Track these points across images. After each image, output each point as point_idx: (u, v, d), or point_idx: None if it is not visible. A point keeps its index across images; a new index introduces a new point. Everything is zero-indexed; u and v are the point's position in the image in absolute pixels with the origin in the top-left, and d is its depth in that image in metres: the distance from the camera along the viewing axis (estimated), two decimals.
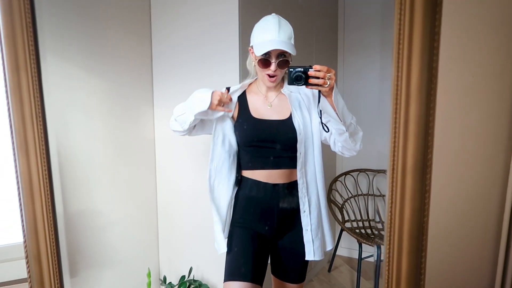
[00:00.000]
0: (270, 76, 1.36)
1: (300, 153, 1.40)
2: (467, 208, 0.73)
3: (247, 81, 1.51)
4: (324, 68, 1.21)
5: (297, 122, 1.39)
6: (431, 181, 0.62)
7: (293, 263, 1.48)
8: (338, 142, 1.38)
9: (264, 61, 1.34)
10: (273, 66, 1.34)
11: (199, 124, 1.47)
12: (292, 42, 1.36)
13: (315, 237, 1.45)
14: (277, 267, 1.52)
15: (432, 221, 0.64)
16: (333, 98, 1.26)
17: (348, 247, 3.29)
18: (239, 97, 1.47)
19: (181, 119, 1.41)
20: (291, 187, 1.42)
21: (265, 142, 1.39)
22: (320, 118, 1.35)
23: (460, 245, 0.70)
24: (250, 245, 1.42)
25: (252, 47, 1.39)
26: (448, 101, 0.63)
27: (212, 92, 1.34)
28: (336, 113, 1.29)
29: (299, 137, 1.38)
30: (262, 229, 1.44)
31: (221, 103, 1.35)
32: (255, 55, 1.37)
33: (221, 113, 1.39)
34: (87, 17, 1.82)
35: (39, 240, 0.91)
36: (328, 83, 1.22)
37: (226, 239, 1.47)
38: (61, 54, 1.70)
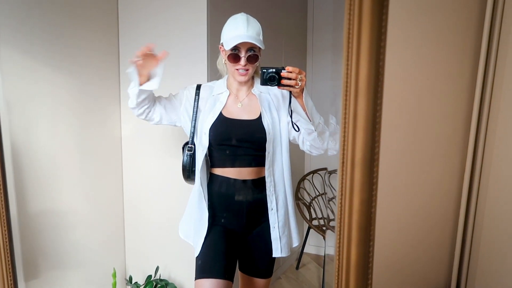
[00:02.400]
0: (239, 70, 1.39)
1: (269, 152, 1.43)
2: (413, 200, 0.77)
3: (221, 81, 1.54)
4: (296, 69, 1.25)
5: (266, 122, 1.43)
6: (378, 174, 0.65)
7: (260, 259, 1.51)
8: (307, 141, 1.43)
9: (234, 56, 1.37)
10: (242, 61, 1.37)
11: (161, 107, 1.48)
12: (261, 38, 1.39)
13: (282, 234, 1.48)
14: (245, 263, 1.54)
15: (380, 212, 0.67)
16: (303, 99, 1.31)
17: (316, 245, 3.35)
18: (208, 94, 1.49)
19: (131, 93, 1.44)
20: (260, 183, 1.45)
21: (235, 141, 1.42)
22: (291, 118, 1.38)
23: (408, 235, 0.74)
24: (221, 242, 1.44)
25: (222, 44, 1.41)
26: (395, 98, 0.67)
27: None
28: (306, 113, 1.34)
29: (268, 137, 1.42)
30: (232, 225, 1.47)
31: (142, 56, 1.35)
32: (225, 51, 1.40)
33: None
34: (49, 12, 1.78)
35: None
36: (299, 84, 1.26)
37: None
38: (20, 49, 1.65)
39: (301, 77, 1.26)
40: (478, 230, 1.43)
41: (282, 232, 1.48)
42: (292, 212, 1.53)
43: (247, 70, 1.39)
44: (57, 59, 1.81)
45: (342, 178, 0.67)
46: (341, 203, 0.68)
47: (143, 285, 2.07)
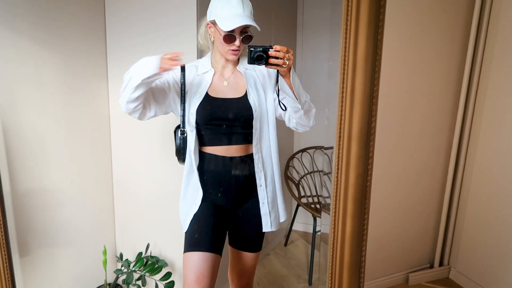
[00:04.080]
0: (233, 50, 1.37)
1: (256, 130, 1.44)
2: (405, 174, 0.78)
3: (205, 59, 1.50)
4: (284, 48, 1.23)
5: (252, 100, 1.42)
6: (374, 148, 0.66)
7: (250, 233, 1.54)
8: (293, 118, 1.44)
9: (230, 37, 1.34)
10: (237, 42, 1.34)
11: (154, 101, 1.42)
12: (252, 16, 1.37)
13: (272, 210, 1.51)
14: (234, 238, 1.57)
15: (374, 185, 0.68)
16: (290, 78, 1.30)
17: (304, 222, 3.40)
18: (195, 72, 1.46)
19: (129, 86, 1.30)
20: (248, 159, 1.47)
21: (222, 120, 1.41)
22: (278, 96, 1.38)
23: (398, 209, 0.75)
24: (210, 216, 1.46)
25: (214, 22, 1.36)
26: (392, 73, 0.67)
27: (161, 58, 1.26)
28: (293, 92, 1.34)
29: (255, 114, 1.42)
30: (221, 201, 1.48)
31: (172, 63, 1.26)
32: (219, 30, 1.35)
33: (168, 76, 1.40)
34: None
35: None
36: (287, 63, 1.25)
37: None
38: (8, 24, 1.59)
39: (288, 55, 1.24)
40: (462, 206, 1.48)
41: (271, 208, 1.51)
42: (279, 188, 1.55)
43: (239, 50, 1.38)
44: (41, 35, 1.75)
45: (339, 153, 0.68)
46: (337, 177, 0.68)
47: (134, 262, 2.09)
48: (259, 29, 1.35)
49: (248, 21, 1.30)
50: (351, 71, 0.63)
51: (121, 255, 2.18)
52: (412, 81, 0.92)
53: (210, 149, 1.46)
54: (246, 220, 1.52)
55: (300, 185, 2.97)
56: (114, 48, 2.12)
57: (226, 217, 1.50)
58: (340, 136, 0.66)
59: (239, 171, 1.46)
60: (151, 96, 1.40)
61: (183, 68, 1.45)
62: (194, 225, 1.45)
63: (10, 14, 1.61)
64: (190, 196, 1.50)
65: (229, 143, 1.44)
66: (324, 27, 3.12)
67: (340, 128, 0.65)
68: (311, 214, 2.65)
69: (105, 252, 2.00)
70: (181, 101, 1.45)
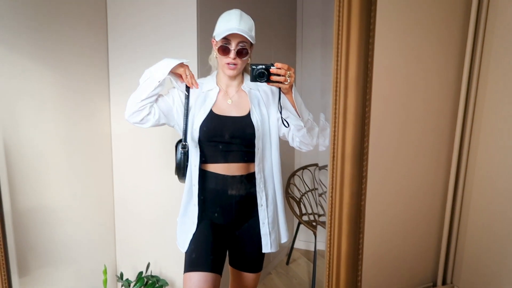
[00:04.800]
0: (229, 64, 1.40)
1: (258, 149, 1.45)
2: (401, 193, 0.79)
3: (210, 77, 1.53)
4: (285, 66, 1.26)
5: (255, 119, 1.44)
6: (367, 167, 0.67)
7: (250, 253, 1.53)
8: (296, 137, 1.45)
9: (224, 48, 1.38)
10: (232, 54, 1.37)
11: (161, 109, 1.45)
12: (253, 34, 1.40)
13: (272, 230, 1.50)
14: (234, 258, 1.56)
15: (369, 204, 0.69)
16: (292, 95, 1.32)
17: (306, 240, 3.38)
18: (200, 89, 1.48)
19: (147, 84, 1.39)
20: (249, 179, 1.47)
21: (224, 138, 1.43)
22: (281, 114, 1.40)
23: (396, 227, 0.75)
24: (209, 236, 1.45)
25: (214, 37, 1.42)
26: (383, 93, 0.68)
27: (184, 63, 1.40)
28: (295, 110, 1.36)
29: (257, 133, 1.43)
30: (221, 220, 1.48)
31: (185, 76, 1.40)
32: (216, 43, 1.41)
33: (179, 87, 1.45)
34: (38, 6, 1.76)
35: None
36: (288, 80, 1.28)
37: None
38: (10, 43, 1.63)
39: (289, 73, 1.27)
40: (464, 223, 1.47)
41: (271, 228, 1.50)
42: (281, 208, 1.55)
43: (236, 64, 1.40)
44: (44, 54, 1.78)
45: (333, 172, 0.69)
46: (331, 196, 0.69)
47: (134, 282, 2.07)
48: (253, 42, 1.39)
49: (240, 32, 1.34)
50: (343, 92, 0.65)
51: (122, 275, 2.16)
52: (407, 96, 0.93)
53: (211, 167, 1.46)
54: (246, 240, 1.51)
55: (301, 203, 2.96)
56: (116, 66, 2.16)
57: (226, 236, 1.49)
58: (334, 156, 0.67)
59: (239, 190, 1.46)
60: (156, 103, 1.44)
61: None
62: (193, 245, 1.45)
63: (12, 32, 1.64)
64: (190, 214, 1.50)
65: (230, 161, 1.44)
66: (323, 46, 3.17)
67: (334, 148, 0.67)
68: (313, 232, 2.64)
69: (105, 272, 1.99)
70: (184, 114, 1.46)
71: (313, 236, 2.66)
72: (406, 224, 0.77)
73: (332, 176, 0.67)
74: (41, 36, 1.77)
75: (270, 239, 1.49)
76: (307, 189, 3.08)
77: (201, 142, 1.44)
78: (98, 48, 2.11)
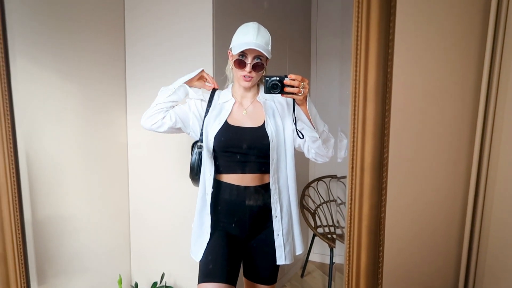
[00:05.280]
0: (245, 76, 1.41)
1: (273, 160, 1.44)
2: (423, 204, 0.77)
3: (226, 90, 1.56)
4: (299, 77, 1.27)
5: (270, 130, 1.44)
6: (387, 179, 0.66)
7: (264, 265, 1.51)
8: (312, 149, 1.44)
9: (240, 62, 1.40)
10: (248, 68, 1.39)
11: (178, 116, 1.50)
12: (269, 48, 1.42)
13: (286, 242, 1.49)
14: (249, 269, 1.54)
15: (389, 216, 0.68)
16: (307, 107, 1.32)
17: (321, 253, 3.34)
18: (215, 101, 1.52)
19: (162, 92, 1.50)
20: (264, 189, 1.46)
21: (238, 148, 1.43)
22: (295, 125, 1.40)
23: (416, 240, 0.74)
24: (224, 246, 1.45)
25: (231, 49, 1.45)
26: (403, 103, 0.68)
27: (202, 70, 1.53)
28: (310, 121, 1.35)
29: (272, 144, 1.43)
30: (235, 231, 1.47)
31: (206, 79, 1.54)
32: (232, 56, 1.43)
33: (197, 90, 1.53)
34: (60, 20, 1.81)
35: (6, 240, 0.90)
36: (302, 91, 1.28)
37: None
38: (31, 57, 1.68)
39: (303, 84, 1.28)
40: (484, 236, 1.43)
41: (286, 240, 1.48)
42: (296, 220, 1.53)
43: (251, 77, 1.41)
44: (65, 67, 1.83)
45: (352, 183, 0.68)
46: (350, 208, 0.68)
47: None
48: (269, 57, 1.41)
49: (256, 47, 1.35)
50: (361, 103, 0.65)
51: (136, 285, 2.17)
52: (427, 106, 0.92)
53: (225, 177, 1.47)
54: (260, 251, 1.50)
55: (316, 215, 2.94)
56: (133, 80, 2.19)
57: (240, 247, 1.49)
58: (352, 167, 0.66)
59: (253, 201, 1.46)
60: (173, 109, 1.51)
61: (213, 90, 1.56)
62: (208, 255, 1.44)
63: (35, 48, 1.69)
64: (203, 223, 1.50)
65: (244, 171, 1.45)
66: (337, 56, 3.17)
67: (353, 159, 0.66)
68: (328, 245, 2.60)
69: (120, 282, 2.00)
70: (203, 119, 1.49)
71: (329, 249, 2.63)
72: (427, 235, 0.76)
73: (351, 188, 0.67)
74: (62, 49, 1.82)
75: (284, 251, 1.47)
76: (322, 200, 3.05)
77: (215, 152, 1.45)
78: (116, 60, 2.15)
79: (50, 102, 1.78)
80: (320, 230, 2.88)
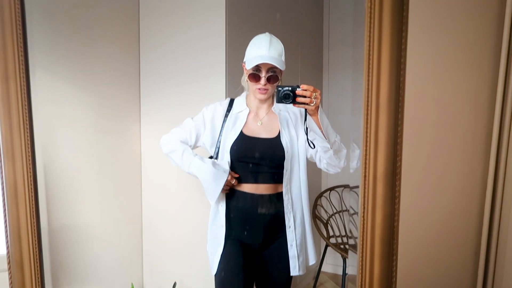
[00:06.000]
0: (260, 89, 1.43)
1: (287, 170, 1.45)
2: (437, 213, 0.76)
3: (240, 99, 1.57)
4: (311, 87, 1.26)
5: (285, 141, 1.45)
6: (400, 188, 0.65)
7: (277, 276, 1.50)
8: (323, 159, 1.44)
9: (254, 76, 1.41)
10: (262, 80, 1.40)
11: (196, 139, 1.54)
12: (283, 59, 1.43)
13: (300, 252, 1.49)
14: (262, 280, 1.54)
15: (403, 226, 0.67)
16: (318, 117, 1.32)
17: (333, 264, 3.29)
18: (231, 111, 1.53)
19: (183, 163, 1.52)
20: (277, 197, 1.47)
21: (254, 159, 1.44)
22: (307, 135, 1.40)
23: (431, 249, 0.73)
24: (239, 257, 1.45)
25: (244, 62, 1.46)
26: (416, 112, 0.67)
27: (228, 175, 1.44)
28: (321, 131, 1.35)
29: (286, 155, 1.44)
30: (248, 240, 1.47)
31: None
32: (246, 70, 1.44)
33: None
34: (76, 31, 1.85)
35: (22, 247, 0.92)
36: (314, 102, 1.27)
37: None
38: (50, 68, 1.72)
39: (315, 95, 1.27)
40: (502, 246, 1.40)
41: (299, 250, 1.48)
42: (309, 230, 1.53)
43: (267, 89, 1.43)
44: (79, 77, 1.86)
45: (365, 193, 0.67)
46: (363, 218, 0.68)
47: None
48: (283, 68, 1.41)
49: (269, 60, 1.36)
50: (374, 112, 0.65)
51: None
52: (441, 115, 0.90)
53: (238, 186, 1.47)
54: (273, 262, 1.49)
55: (328, 225, 2.91)
56: (147, 90, 2.22)
57: (253, 256, 1.49)
58: (365, 176, 0.66)
59: (266, 209, 1.46)
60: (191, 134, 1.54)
61: (231, 102, 1.55)
62: (224, 266, 1.45)
63: (51, 59, 1.73)
64: (217, 234, 1.50)
65: (259, 181, 1.45)
66: (349, 66, 3.16)
67: (365, 168, 0.66)
68: (340, 255, 2.57)
69: None
70: (219, 133, 1.50)
71: (341, 260, 2.59)
72: (441, 246, 0.74)
73: (364, 197, 0.66)
74: (77, 59, 1.85)
75: (298, 261, 1.47)
76: (335, 210, 3.03)
77: (231, 162, 1.47)
78: (130, 70, 2.18)
79: (66, 112, 1.82)
80: (332, 240, 2.85)
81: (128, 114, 2.18)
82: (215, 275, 1.46)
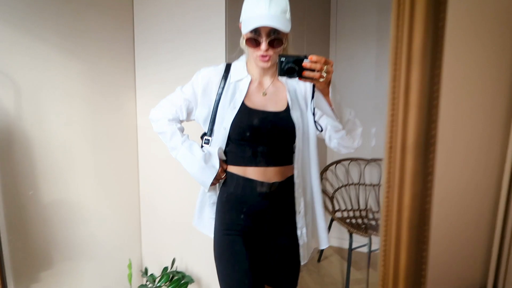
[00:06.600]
0: (262, 56, 1.20)
1: (298, 149, 1.27)
2: (477, 193, 0.63)
3: (239, 63, 1.34)
4: (322, 59, 1.04)
5: (295, 115, 1.26)
6: (434, 162, 0.52)
7: (286, 268, 1.34)
8: (334, 138, 1.26)
9: (253, 41, 1.18)
10: (263, 46, 1.17)
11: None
12: (288, 16, 1.18)
13: (311, 239, 1.34)
14: (269, 274, 1.36)
15: (436, 208, 0.55)
16: (329, 94, 1.10)
17: (338, 237, 3.23)
18: (228, 80, 1.30)
19: (166, 143, 1.38)
20: (286, 185, 1.29)
21: (259, 137, 1.24)
22: (313, 115, 1.22)
23: (469, 235, 0.61)
24: (244, 258, 1.26)
25: (241, 23, 1.22)
26: (457, 67, 0.54)
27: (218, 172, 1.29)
28: (332, 110, 1.14)
29: (298, 132, 1.25)
30: (252, 233, 1.29)
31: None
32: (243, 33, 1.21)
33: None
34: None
35: None
36: (325, 76, 1.05)
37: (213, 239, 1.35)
38: (33, 34, 1.57)
39: (327, 68, 1.04)
40: None
41: (311, 236, 1.34)
42: (320, 212, 1.36)
43: (269, 55, 1.19)
44: (69, 46, 1.72)
45: (390, 168, 0.55)
46: (388, 197, 0.55)
47: (159, 277, 2.00)
48: (287, 30, 1.16)
49: (269, 22, 1.12)
50: (404, 66, 0.51)
51: (146, 270, 2.10)
52: (485, 70, 0.73)
53: (240, 170, 1.28)
54: (282, 254, 1.32)
55: (334, 199, 2.82)
56: (142, 60, 2.07)
57: (259, 251, 1.30)
58: (391, 147, 0.53)
59: (277, 199, 1.27)
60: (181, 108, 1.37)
61: (228, 67, 1.32)
62: (229, 271, 1.27)
63: (39, 25, 1.59)
64: (206, 222, 1.39)
65: (266, 164, 1.25)
66: (358, 35, 2.98)
67: (391, 137, 0.53)
68: (347, 230, 2.49)
69: (130, 266, 1.93)
70: (213, 106, 1.29)
71: (347, 233, 2.51)
72: (482, 231, 0.62)
73: (389, 173, 0.54)
74: (68, 29, 1.71)
75: (307, 249, 1.32)
76: (340, 184, 2.93)
77: (230, 142, 1.28)
78: (125, 40, 2.03)
79: (54, 81, 1.68)
80: (338, 214, 2.76)
81: (122, 85, 2.04)
82: (221, 275, 1.29)
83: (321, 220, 1.37)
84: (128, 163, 2.12)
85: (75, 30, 1.74)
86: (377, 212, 2.81)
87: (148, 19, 2.03)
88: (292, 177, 1.29)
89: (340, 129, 1.20)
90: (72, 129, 1.78)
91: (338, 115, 1.15)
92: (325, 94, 1.11)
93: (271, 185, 1.26)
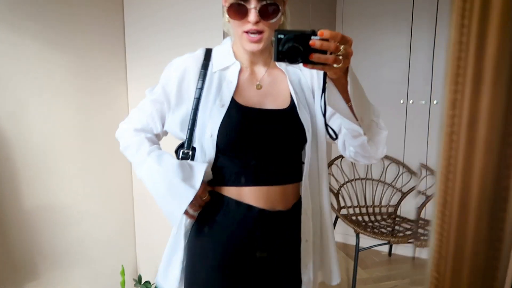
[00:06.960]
0: (250, 33, 0.88)
1: (308, 159, 0.96)
2: None
3: (223, 47, 1.02)
4: (337, 35, 0.71)
5: (303, 114, 0.95)
6: None
7: None
8: (350, 146, 0.94)
9: (237, 9, 0.86)
10: (253, 16, 0.85)
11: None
12: None
13: (316, 274, 1.05)
14: None
15: None
16: (348, 85, 0.78)
17: (344, 233, 3.10)
18: (210, 69, 0.98)
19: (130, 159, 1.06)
20: (294, 213, 0.98)
21: (257, 145, 0.94)
22: (324, 116, 0.86)
23: None
24: None
25: None
26: None
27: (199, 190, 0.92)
28: (350, 108, 0.82)
29: (308, 135, 0.95)
30: (244, 275, 0.98)
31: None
32: (226, 1, 0.90)
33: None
34: None
35: None
36: (342, 61, 0.73)
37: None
38: (7, 24, 1.41)
39: (344, 48, 0.72)
40: None
41: (317, 270, 1.06)
42: (331, 239, 1.06)
43: (261, 32, 0.88)
44: (51, 33, 1.57)
45: (451, 147, 0.41)
46: (445, 191, 0.41)
47: (154, 285, 1.86)
48: None
49: None
50: (470, 88, 0.37)
51: (140, 278, 1.95)
52: None
53: (233, 192, 0.95)
54: None
55: (339, 195, 2.68)
56: (134, 51, 1.93)
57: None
58: (453, 116, 0.39)
59: (280, 233, 0.97)
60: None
61: (208, 53, 0.99)
62: None
63: (14, 13, 1.43)
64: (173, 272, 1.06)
65: (267, 182, 0.94)
66: (366, 19, 2.84)
67: (454, 104, 0.39)
68: (353, 229, 2.36)
69: (123, 273, 1.79)
70: (191, 112, 0.97)
71: (352, 229, 2.37)
72: None
73: (449, 149, 0.40)
74: (49, 18, 1.55)
75: (313, 286, 1.03)
76: (346, 179, 2.79)
77: (217, 152, 0.95)
78: (114, 25, 1.88)
79: (36, 76, 1.53)
80: (343, 211, 2.63)
81: (113, 79, 1.90)
82: None
83: (333, 250, 1.07)
84: (120, 161, 1.97)
85: (56, 20, 1.58)
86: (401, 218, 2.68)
87: (139, 12, 1.89)
88: (299, 200, 1.00)
89: (360, 134, 0.87)
90: (58, 126, 1.63)
91: (358, 115, 0.83)
92: (341, 86, 0.79)
93: (273, 214, 0.96)
